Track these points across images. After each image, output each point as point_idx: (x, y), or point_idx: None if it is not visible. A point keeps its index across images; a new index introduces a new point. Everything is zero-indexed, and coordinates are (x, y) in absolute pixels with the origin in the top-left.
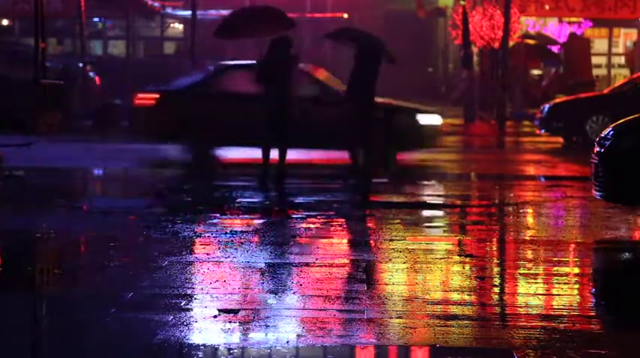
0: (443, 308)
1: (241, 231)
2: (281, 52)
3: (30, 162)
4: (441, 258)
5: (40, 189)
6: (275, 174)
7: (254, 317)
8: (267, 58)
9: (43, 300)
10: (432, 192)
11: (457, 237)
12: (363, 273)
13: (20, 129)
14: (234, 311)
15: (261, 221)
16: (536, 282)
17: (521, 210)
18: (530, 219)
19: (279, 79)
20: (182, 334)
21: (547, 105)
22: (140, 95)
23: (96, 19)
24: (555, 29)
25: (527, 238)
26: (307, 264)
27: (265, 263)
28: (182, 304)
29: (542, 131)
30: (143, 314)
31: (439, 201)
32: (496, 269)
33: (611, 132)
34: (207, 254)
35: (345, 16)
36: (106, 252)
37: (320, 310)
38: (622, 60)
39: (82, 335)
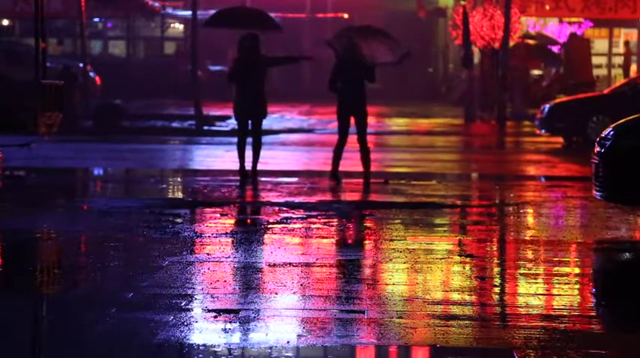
0: (443, 309)
1: (237, 231)
2: (250, 51)
3: (30, 162)
4: (441, 258)
5: (40, 189)
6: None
7: (254, 317)
8: (238, 57)
9: (43, 300)
10: (432, 192)
11: (457, 237)
12: (363, 273)
13: (20, 130)
14: (234, 311)
15: (258, 220)
16: (536, 282)
17: (521, 210)
18: (530, 219)
19: (250, 78)
20: (182, 334)
21: (547, 106)
22: None
23: (96, 19)
24: (556, 29)
25: (527, 238)
26: (307, 264)
27: (265, 262)
28: (182, 304)
29: (543, 131)
30: (143, 314)
31: (439, 201)
32: (496, 270)
33: (612, 132)
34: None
35: (345, 16)
36: (106, 252)
37: (320, 310)
38: (622, 60)
39: (82, 335)
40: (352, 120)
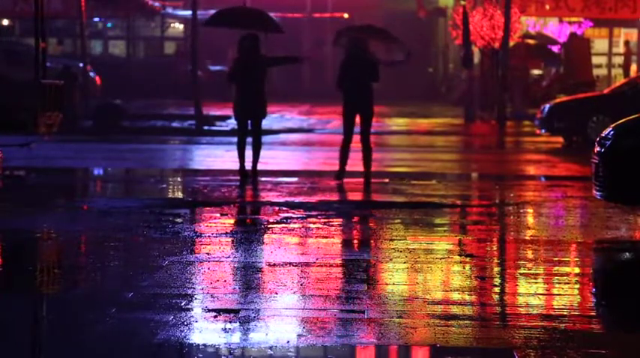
0: (443, 308)
1: (237, 231)
2: (250, 51)
3: (30, 162)
4: (441, 258)
5: (40, 189)
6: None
7: (254, 317)
8: (238, 57)
9: (43, 300)
10: (432, 192)
11: (457, 237)
12: (363, 273)
13: (20, 130)
14: (234, 311)
15: (258, 220)
16: (536, 282)
17: (521, 210)
18: (530, 219)
19: (250, 78)
20: (182, 334)
21: (547, 105)
22: None
23: (96, 19)
24: (556, 29)
25: (527, 238)
26: (307, 264)
27: (265, 262)
28: (182, 304)
29: (543, 131)
30: (143, 314)
31: (439, 201)
32: (496, 269)
33: (612, 132)
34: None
35: (346, 16)
36: (106, 252)
37: (320, 310)
38: (622, 60)
39: (82, 335)
40: (357, 119)
